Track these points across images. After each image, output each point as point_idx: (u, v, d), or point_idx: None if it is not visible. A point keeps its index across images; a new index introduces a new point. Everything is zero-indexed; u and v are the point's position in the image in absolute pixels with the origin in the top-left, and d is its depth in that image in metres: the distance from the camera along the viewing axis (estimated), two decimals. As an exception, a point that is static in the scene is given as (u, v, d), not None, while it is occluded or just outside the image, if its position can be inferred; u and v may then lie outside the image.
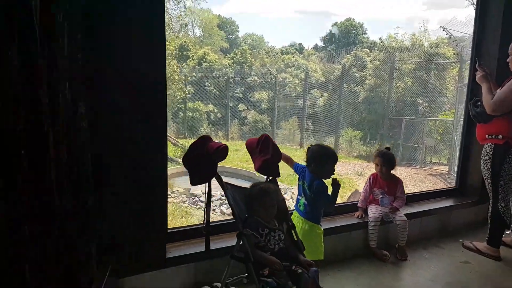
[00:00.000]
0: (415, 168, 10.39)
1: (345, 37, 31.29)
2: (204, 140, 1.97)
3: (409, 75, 13.44)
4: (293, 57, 22.89)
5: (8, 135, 0.82)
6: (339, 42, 30.85)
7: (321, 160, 2.29)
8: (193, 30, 28.77)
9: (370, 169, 9.91)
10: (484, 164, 3.01)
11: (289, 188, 7.45)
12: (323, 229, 2.47)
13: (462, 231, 3.52)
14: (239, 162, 10.24)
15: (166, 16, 15.05)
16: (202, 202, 6.03)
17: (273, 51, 25.65)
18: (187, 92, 15.51)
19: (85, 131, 1.47)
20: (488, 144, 2.98)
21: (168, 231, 2.27)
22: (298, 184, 2.43)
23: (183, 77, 15.92)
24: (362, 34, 31.81)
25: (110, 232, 1.90)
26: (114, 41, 1.79)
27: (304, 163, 2.41)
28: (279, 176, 2.19)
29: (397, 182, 3.10)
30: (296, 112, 16.22)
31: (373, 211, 2.99)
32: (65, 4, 1.23)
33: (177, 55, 18.32)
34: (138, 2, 1.83)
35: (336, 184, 2.25)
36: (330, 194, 2.28)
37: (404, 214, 3.06)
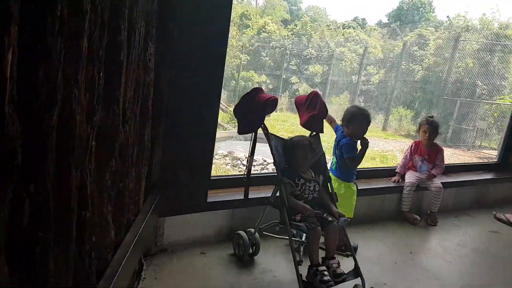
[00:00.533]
0: (462, 150, 10.12)
1: (412, 14, 29.63)
2: (256, 91, 2.10)
3: (472, 56, 12.69)
4: (354, 31, 22.16)
5: (86, 57, 0.98)
6: (404, 19, 29.31)
7: (354, 120, 2.37)
8: (256, 0, 28.57)
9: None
10: None
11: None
12: (359, 189, 2.58)
13: (498, 205, 3.57)
14: (284, 132, 10.37)
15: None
16: (243, 165, 6.21)
17: (335, 25, 24.95)
18: (242, 59, 15.60)
19: (151, 70, 1.65)
20: None
21: (211, 178, 2.43)
22: (334, 144, 2.51)
23: (241, 45, 16.00)
24: (430, 12, 29.96)
25: (160, 170, 2.11)
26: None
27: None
28: (322, 132, 2.28)
29: (438, 150, 3.14)
30: (349, 88, 15.90)
31: (410, 177, 3.07)
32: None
33: (237, 23, 18.41)
34: None
35: (364, 144, 2.34)
36: (357, 152, 2.37)
37: (441, 183, 3.10)
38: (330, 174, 2.48)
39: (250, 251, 2.27)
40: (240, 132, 2.11)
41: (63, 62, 0.82)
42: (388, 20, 30.98)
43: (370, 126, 2.45)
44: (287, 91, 16.86)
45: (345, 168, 2.43)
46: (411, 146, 3.20)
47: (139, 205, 1.76)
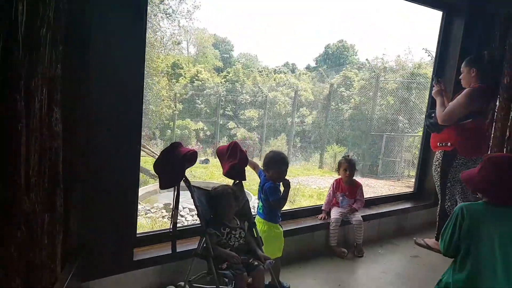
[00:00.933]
0: (393, 181, 10.87)
1: (337, 57, 31.98)
2: (174, 146, 2.16)
3: (392, 94, 13.95)
4: (285, 76, 23.37)
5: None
6: (330, 63, 31.49)
7: (273, 164, 2.49)
8: (188, 49, 29.18)
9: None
10: (435, 169, 3.30)
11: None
12: (289, 229, 2.73)
13: (417, 231, 3.87)
14: (225, 179, 10.41)
15: (159, 34, 15.46)
16: (182, 216, 6.15)
17: (266, 71, 26.16)
18: (175, 109, 15.67)
19: (58, 135, 1.65)
20: (439, 151, 3.27)
21: (137, 236, 2.41)
22: (258, 189, 2.61)
23: (173, 94, 16.11)
24: (353, 55, 32.56)
25: (78, 234, 2.05)
26: (93, 54, 1.96)
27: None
28: (244, 179, 2.38)
29: (357, 185, 3.37)
30: (285, 130, 16.53)
31: (335, 213, 3.25)
32: (49, 18, 1.43)
33: (169, 73, 18.60)
34: (118, 16, 2.02)
35: (286, 184, 2.45)
36: (281, 193, 2.47)
37: (365, 215, 3.38)
38: (257, 217, 2.58)
39: (182, 306, 2.24)
40: (162, 187, 2.13)
41: None
42: (316, 64, 33.16)
43: (308, 165, 2.60)
44: (225, 136, 17.12)
45: (271, 210, 2.52)
46: (333, 184, 3.41)
47: (56, 272, 1.69)
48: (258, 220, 2.55)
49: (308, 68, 32.11)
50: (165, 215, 6.36)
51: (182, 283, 2.22)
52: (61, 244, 1.76)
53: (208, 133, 17.06)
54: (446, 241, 1.93)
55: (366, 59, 18.88)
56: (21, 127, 1.24)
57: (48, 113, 1.53)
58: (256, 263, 2.07)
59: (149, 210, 6.60)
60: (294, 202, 7.76)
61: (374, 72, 15.28)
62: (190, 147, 2.33)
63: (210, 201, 2.22)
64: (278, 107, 17.98)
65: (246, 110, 18.23)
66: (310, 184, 10.07)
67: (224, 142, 16.44)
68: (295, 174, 11.59)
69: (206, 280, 2.24)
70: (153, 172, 9.54)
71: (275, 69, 27.91)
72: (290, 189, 2.48)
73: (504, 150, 3.70)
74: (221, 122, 16.81)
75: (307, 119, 17.50)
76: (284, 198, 2.48)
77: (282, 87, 20.25)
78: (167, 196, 7.70)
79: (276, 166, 2.49)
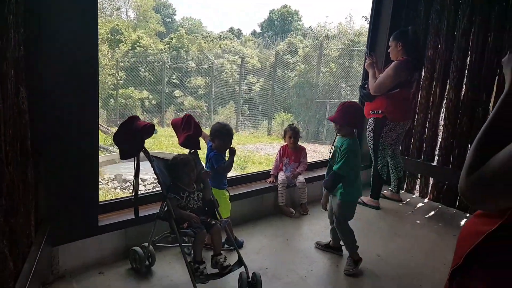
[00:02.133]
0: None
1: (282, 23, 32.01)
2: (132, 119, 2.33)
3: (334, 61, 14.50)
4: (231, 42, 23.15)
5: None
6: (276, 29, 31.51)
7: (218, 135, 2.76)
8: (127, 13, 27.74)
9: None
10: (368, 134, 3.73)
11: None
12: (241, 193, 3.11)
13: None
14: (174, 148, 10.50)
15: None
16: (151, 192, 6.27)
17: (211, 36, 25.70)
18: (119, 78, 15.14)
19: (26, 112, 1.78)
20: (372, 118, 3.68)
21: (100, 203, 2.57)
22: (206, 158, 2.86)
23: (115, 62, 15.50)
24: (298, 21, 32.75)
25: (47, 203, 2.20)
26: (50, 31, 2.04)
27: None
28: (199, 148, 2.60)
29: (301, 149, 3.71)
30: (233, 98, 16.64)
31: (282, 176, 3.58)
32: (13, 4, 1.53)
33: (109, 39, 17.74)
34: None
35: (232, 151, 2.75)
36: (226, 161, 2.76)
37: (310, 177, 3.76)
38: None
39: (147, 263, 2.48)
40: (122, 158, 2.31)
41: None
42: (262, 30, 33.08)
43: (256, 132, 2.87)
44: (172, 105, 16.90)
45: (216, 177, 2.77)
46: (280, 150, 3.73)
47: (31, 237, 1.86)
48: None
49: (253, 34, 31.96)
50: (117, 186, 6.44)
51: (146, 244, 2.45)
52: (33, 213, 1.92)
53: (153, 102, 16.72)
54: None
55: (310, 27, 19.27)
56: (0, 107, 1.37)
57: (16, 92, 1.65)
58: (213, 221, 2.35)
59: (100, 181, 6.62)
60: (245, 168, 8.08)
61: (318, 40, 15.73)
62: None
63: (171, 168, 2.43)
64: (225, 74, 17.95)
65: (192, 78, 18.02)
66: (260, 151, 10.44)
67: (171, 111, 16.25)
68: (244, 142, 11.90)
69: (168, 240, 2.51)
70: (101, 144, 9.43)
71: (220, 35, 27.52)
72: (241, 157, 2.76)
73: (429, 115, 4.23)
74: (167, 91, 16.47)
75: (255, 86, 17.73)
76: (230, 164, 2.76)
77: (228, 54, 20.14)
78: (117, 167, 7.72)
79: (221, 137, 2.75)
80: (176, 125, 2.60)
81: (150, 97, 16.66)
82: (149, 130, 2.28)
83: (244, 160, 8.85)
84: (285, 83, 16.30)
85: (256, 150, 10.46)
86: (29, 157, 1.84)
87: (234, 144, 2.85)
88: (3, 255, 1.42)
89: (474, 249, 0.92)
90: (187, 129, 2.54)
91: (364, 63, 3.94)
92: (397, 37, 3.54)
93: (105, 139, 10.31)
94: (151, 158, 2.36)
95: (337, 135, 2.63)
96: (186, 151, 2.58)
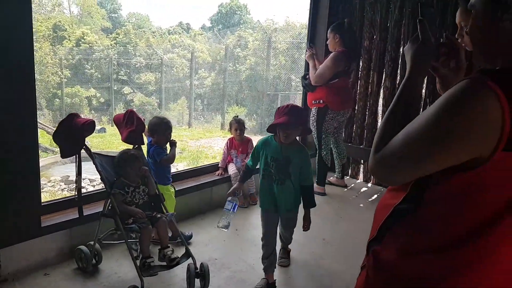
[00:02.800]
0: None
1: (231, 17, 31.93)
2: (72, 116, 2.30)
3: (283, 54, 14.75)
4: (180, 37, 22.79)
5: None
6: (225, 23, 31.40)
7: (157, 129, 2.79)
8: (70, 8, 26.43)
9: (253, 141, 10.94)
10: (312, 123, 3.89)
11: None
12: (190, 186, 3.18)
13: None
14: (124, 146, 10.25)
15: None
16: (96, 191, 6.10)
17: (160, 31, 25.15)
18: (63, 76, 14.48)
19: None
20: (314, 108, 3.85)
21: (43, 204, 2.52)
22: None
23: (58, 60, 14.80)
24: (247, 14, 32.83)
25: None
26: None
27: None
28: (143, 144, 2.62)
29: (248, 141, 3.80)
30: (185, 93, 16.45)
31: (233, 168, 3.64)
32: None
33: (51, 36, 16.89)
34: None
35: (173, 144, 2.83)
36: (167, 153, 2.81)
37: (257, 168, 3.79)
38: None
39: (94, 261, 2.47)
40: (63, 156, 2.29)
41: None
42: (211, 24, 32.85)
43: (210, 127, 2.91)
44: (121, 102, 16.42)
45: (159, 173, 2.78)
46: (227, 143, 3.81)
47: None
48: None
49: (203, 28, 31.68)
50: (64, 188, 6.23)
51: (92, 242, 2.43)
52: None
53: (102, 100, 16.15)
54: None
55: (258, 21, 19.45)
56: None
57: None
58: (159, 215, 2.38)
59: (45, 184, 6.38)
60: (198, 163, 8.07)
61: (266, 33, 15.93)
62: (83, 116, 2.47)
63: (117, 164, 2.43)
64: (175, 70, 17.68)
65: (141, 74, 17.56)
66: (213, 145, 10.45)
67: (120, 108, 15.75)
68: (197, 137, 11.84)
69: (114, 237, 2.52)
70: (43, 145, 9.04)
71: (169, 30, 27.02)
72: (194, 152, 2.79)
73: (368, 103, 4.47)
74: (115, 88, 15.98)
75: (206, 81, 17.63)
76: (172, 156, 2.82)
77: (178, 49, 19.85)
78: (63, 169, 7.46)
79: (161, 131, 2.78)
80: (118, 121, 2.60)
81: (98, 95, 16.07)
82: (90, 127, 2.28)
83: (197, 155, 8.84)
84: (236, 76, 16.36)
85: (209, 145, 10.47)
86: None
87: (187, 139, 2.89)
88: None
89: (385, 221, 1.04)
90: (129, 124, 2.55)
91: (305, 55, 4.09)
92: (334, 29, 3.72)
93: (50, 141, 9.87)
94: (93, 155, 2.36)
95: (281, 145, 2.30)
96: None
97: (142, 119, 2.60)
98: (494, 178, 0.81)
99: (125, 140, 2.56)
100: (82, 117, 2.37)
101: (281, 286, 2.45)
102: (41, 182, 5.98)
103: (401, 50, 4.12)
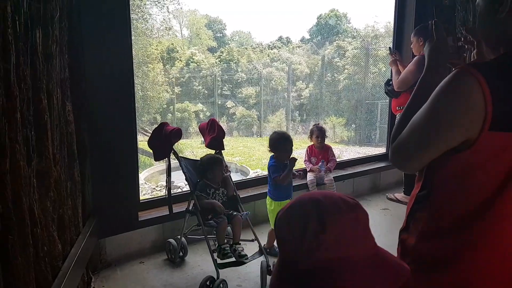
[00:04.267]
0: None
1: (330, 27, 31.81)
2: (162, 125, 2.66)
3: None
4: (279, 51, 23.47)
5: (21, 124, 1.49)
6: (325, 33, 31.40)
7: (277, 145, 2.76)
8: (181, 32, 29.17)
9: (348, 151, 10.74)
10: None
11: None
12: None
13: (390, 188, 4.28)
14: (225, 156, 10.93)
15: (150, 22, 15.70)
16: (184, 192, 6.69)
17: (260, 47, 26.25)
18: (172, 93, 15.99)
19: (71, 122, 2.15)
20: (398, 114, 3.72)
21: (140, 201, 2.94)
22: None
23: (170, 78, 16.41)
24: (347, 23, 32.37)
25: (93, 200, 2.57)
26: (91, 55, 2.44)
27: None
28: (223, 149, 2.88)
29: (328, 148, 3.82)
30: (283, 105, 16.86)
31: (310, 176, 3.72)
32: (56, 36, 1.90)
33: (165, 57, 18.85)
34: (105, 26, 2.49)
35: (292, 161, 2.73)
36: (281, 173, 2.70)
37: (341, 175, 3.91)
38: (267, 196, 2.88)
39: (181, 254, 2.78)
40: (156, 159, 2.65)
41: (7, 128, 1.33)
42: (310, 35, 33.11)
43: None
44: (224, 115, 17.51)
45: (275, 188, 2.78)
46: (307, 150, 3.90)
47: (79, 228, 2.22)
48: (267, 199, 2.87)
49: (302, 40, 32.08)
50: (157, 197, 6.94)
51: (179, 236, 2.75)
52: (81, 207, 2.29)
53: (207, 113, 17.38)
54: None
55: (355, 28, 19.06)
56: (46, 118, 1.73)
57: (63, 106, 2.02)
58: (234, 213, 2.59)
59: (154, 188, 7.20)
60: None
61: (364, 40, 15.57)
62: (191, 129, 2.78)
63: (202, 166, 2.69)
64: (274, 82, 18.22)
65: (243, 88, 18.51)
66: (309, 156, 10.53)
67: (223, 121, 16.82)
68: (294, 147, 12.02)
69: (198, 233, 2.80)
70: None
71: (269, 44, 27.96)
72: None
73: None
74: (219, 102, 17.10)
75: (304, 92, 17.83)
76: (285, 175, 2.68)
77: (276, 62, 20.46)
78: (175, 174, 8.28)
79: (281, 146, 2.74)
80: (202, 129, 2.91)
81: (204, 109, 17.34)
82: (177, 134, 2.60)
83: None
84: (335, 86, 16.23)
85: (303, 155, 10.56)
86: (75, 159, 2.21)
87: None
88: (52, 237, 1.76)
89: (410, 209, 1.09)
90: (212, 131, 2.83)
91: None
92: (418, 32, 3.59)
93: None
94: (179, 158, 2.67)
95: None
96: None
97: (221, 126, 2.85)
98: (486, 157, 0.87)
99: (208, 145, 2.84)
100: (171, 125, 2.71)
101: None
102: (150, 186, 6.73)
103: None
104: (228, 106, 17.89)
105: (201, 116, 17.13)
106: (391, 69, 3.75)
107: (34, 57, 1.64)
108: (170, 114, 16.14)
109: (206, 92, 18.20)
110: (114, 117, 2.59)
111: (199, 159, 2.80)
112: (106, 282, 2.48)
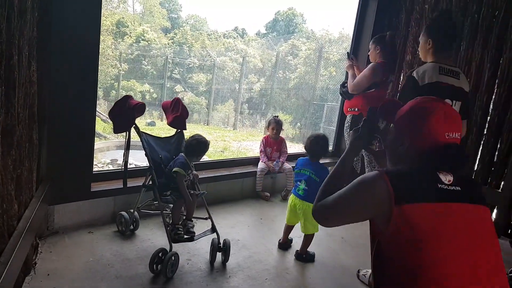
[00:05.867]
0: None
1: (287, 25, 32.33)
2: (126, 98, 2.64)
3: (335, 65, 14.79)
4: (234, 41, 23.46)
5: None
6: (280, 30, 31.85)
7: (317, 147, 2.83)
8: (133, 6, 28.04)
9: (292, 148, 11.12)
10: (345, 130, 4.02)
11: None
12: (224, 175, 3.47)
13: None
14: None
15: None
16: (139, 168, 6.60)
17: (215, 34, 26.04)
18: (121, 69, 15.43)
19: (35, 83, 2.09)
20: (349, 115, 3.98)
21: (94, 172, 2.89)
22: (296, 173, 2.88)
23: (118, 54, 15.79)
24: (303, 23, 33.10)
25: (47, 165, 2.52)
26: (60, 16, 2.37)
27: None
28: (185, 129, 2.93)
29: (282, 140, 4.03)
30: (233, 96, 16.93)
31: (260, 164, 3.89)
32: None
33: (114, 31, 18.05)
34: None
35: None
36: None
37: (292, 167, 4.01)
38: (295, 198, 2.81)
39: (131, 227, 2.80)
40: (116, 131, 2.63)
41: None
42: (266, 30, 33.45)
43: (254, 131, 3.25)
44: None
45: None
46: (262, 141, 4.07)
47: (32, 191, 2.18)
48: (295, 199, 2.82)
49: (258, 34, 32.33)
50: (112, 169, 6.75)
51: (132, 210, 2.76)
52: (36, 171, 2.23)
53: (154, 95, 17.00)
54: None
55: (311, 30, 19.62)
56: (16, 75, 1.69)
57: (28, 65, 1.97)
58: (191, 191, 2.66)
59: (95, 165, 6.96)
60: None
61: (318, 43, 16.08)
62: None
63: (194, 145, 2.66)
64: (226, 72, 18.21)
65: (194, 74, 18.31)
66: (254, 148, 10.77)
67: (170, 105, 16.42)
68: (240, 139, 12.22)
69: (151, 208, 2.85)
70: (97, 131, 9.75)
71: (225, 33, 27.86)
72: (236, 153, 3.00)
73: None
74: (168, 85, 16.74)
75: (255, 86, 18.03)
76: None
77: (231, 52, 20.45)
78: (113, 153, 8.06)
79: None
80: (166, 107, 2.92)
81: (151, 90, 16.94)
82: (141, 108, 2.60)
83: (238, 155, 9.16)
84: (285, 84, 16.60)
85: (250, 147, 10.80)
86: (35, 121, 2.15)
87: (230, 140, 3.15)
88: (10, 196, 1.73)
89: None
90: (175, 110, 2.86)
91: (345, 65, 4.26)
92: (376, 40, 3.85)
93: (103, 128, 10.63)
94: (141, 133, 2.67)
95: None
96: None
97: (185, 106, 2.90)
98: (400, 227, 1.16)
99: (170, 124, 2.87)
100: (135, 100, 2.70)
101: (296, 273, 2.64)
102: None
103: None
104: (177, 90, 17.60)
105: (147, 97, 16.68)
106: (347, 72, 3.99)
107: (9, 10, 1.60)
108: (114, 91, 15.54)
109: (154, 73, 17.75)
110: (76, 83, 2.53)
111: (165, 136, 2.85)
112: (53, 247, 2.44)
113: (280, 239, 2.98)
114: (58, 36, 2.39)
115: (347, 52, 4.27)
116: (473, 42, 3.77)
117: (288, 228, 2.93)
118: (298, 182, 2.81)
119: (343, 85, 4.07)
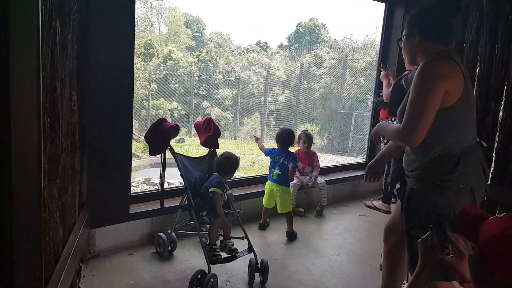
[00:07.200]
0: (362, 157, 11.46)
1: (309, 36, 32.35)
2: (161, 121, 2.70)
3: (361, 73, 14.60)
4: (257, 55, 23.69)
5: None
6: (303, 41, 31.91)
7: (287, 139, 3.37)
8: (159, 28, 28.87)
9: (322, 159, 11.01)
10: (381, 141, 3.93)
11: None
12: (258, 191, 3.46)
13: (368, 195, 4.47)
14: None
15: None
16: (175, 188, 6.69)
17: (239, 50, 26.41)
18: (150, 89, 15.84)
19: (76, 112, 2.17)
20: None
21: (131, 194, 2.95)
22: (271, 161, 3.42)
23: (147, 75, 16.25)
24: (325, 33, 33.03)
25: (88, 190, 2.60)
26: (97, 48, 2.47)
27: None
28: (218, 148, 2.96)
29: (313, 154, 3.99)
30: (259, 109, 17.02)
31: (294, 180, 3.84)
32: (70, 26, 1.93)
33: (142, 53, 18.64)
34: (111, 19, 2.52)
35: None
36: None
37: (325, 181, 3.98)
38: (271, 183, 3.41)
39: (169, 248, 2.83)
40: (152, 154, 2.68)
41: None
42: (288, 42, 33.57)
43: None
44: (200, 116, 17.48)
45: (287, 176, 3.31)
46: (294, 155, 4.06)
47: (75, 216, 2.24)
48: (271, 184, 3.42)
49: (280, 46, 32.48)
50: (146, 188, 6.87)
51: (169, 231, 2.79)
52: (78, 196, 2.30)
53: (182, 112, 17.35)
54: None
55: (334, 39, 19.54)
56: (59, 107, 1.76)
57: (69, 96, 2.05)
58: (226, 211, 2.67)
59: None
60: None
61: (342, 52, 15.97)
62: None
63: (225, 164, 2.74)
64: (251, 86, 18.38)
65: (219, 90, 18.57)
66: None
67: (198, 121, 16.66)
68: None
69: (188, 228, 2.87)
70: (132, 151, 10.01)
71: (248, 48, 28.18)
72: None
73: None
74: (195, 102, 17.08)
75: (280, 98, 18.07)
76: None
77: (255, 66, 20.63)
78: (147, 172, 8.21)
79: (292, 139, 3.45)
80: (198, 127, 2.97)
81: (179, 108, 17.29)
82: (175, 130, 2.65)
83: (267, 168, 9.15)
84: (310, 94, 16.54)
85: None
86: (76, 149, 2.23)
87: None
88: (56, 223, 1.79)
89: None
90: (207, 130, 2.90)
91: (377, 74, 4.20)
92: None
93: (136, 147, 10.89)
94: (175, 155, 2.72)
95: None
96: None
97: (217, 126, 2.93)
98: None
99: (203, 143, 2.91)
100: (169, 122, 2.75)
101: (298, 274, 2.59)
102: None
103: (477, 71, 4.04)
104: (203, 106, 17.89)
105: (175, 114, 17.02)
106: (383, 82, 3.93)
107: (53, 46, 1.67)
108: (144, 110, 15.97)
109: (182, 90, 18.13)
110: (113, 110, 2.61)
111: (197, 156, 2.91)
112: (95, 271, 2.49)
113: (260, 221, 3.48)
114: (96, 66, 2.48)
115: (381, 62, 4.22)
116: (509, 44, 3.64)
117: (266, 210, 3.46)
118: (273, 169, 3.38)
119: (378, 94, 4.02)
